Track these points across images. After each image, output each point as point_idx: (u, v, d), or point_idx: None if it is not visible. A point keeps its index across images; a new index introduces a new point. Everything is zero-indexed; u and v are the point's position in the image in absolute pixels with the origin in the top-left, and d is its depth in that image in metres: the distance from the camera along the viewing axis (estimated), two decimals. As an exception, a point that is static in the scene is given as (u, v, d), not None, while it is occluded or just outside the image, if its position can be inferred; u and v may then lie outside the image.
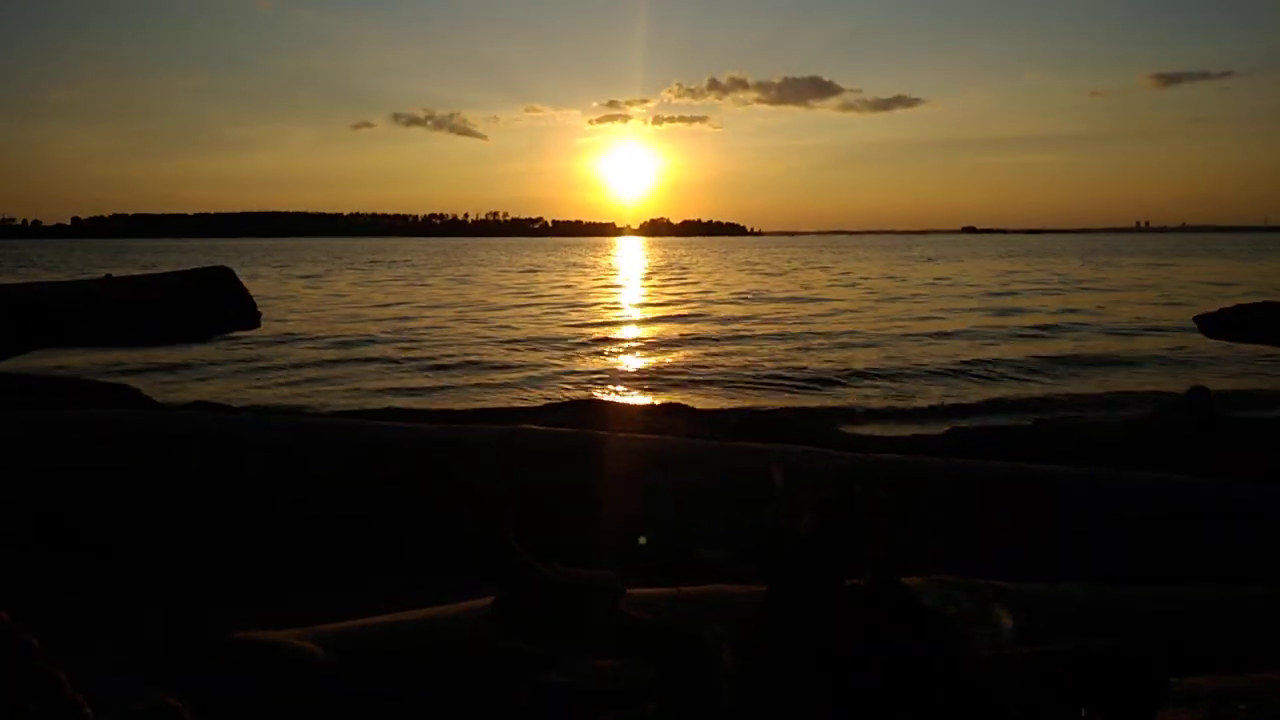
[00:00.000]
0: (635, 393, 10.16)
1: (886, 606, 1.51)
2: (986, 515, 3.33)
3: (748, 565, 1.98)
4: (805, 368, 11.44)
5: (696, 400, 8.56)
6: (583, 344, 14.56)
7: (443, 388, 10.38)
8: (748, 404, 8.66)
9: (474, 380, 10.94)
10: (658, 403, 7.61)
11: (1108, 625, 2.32)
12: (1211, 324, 5.36)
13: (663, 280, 35.17)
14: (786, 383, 10.44)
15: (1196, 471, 3.75)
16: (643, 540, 3.42)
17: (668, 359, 12.85)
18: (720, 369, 11.58)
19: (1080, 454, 4.30)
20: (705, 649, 1.51)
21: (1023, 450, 4.39)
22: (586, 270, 45.04)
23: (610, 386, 10.69)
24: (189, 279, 5.81)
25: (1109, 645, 1.50)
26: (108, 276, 6.03)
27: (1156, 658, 1.57)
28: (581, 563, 2.66)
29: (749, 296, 24.31)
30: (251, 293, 6.20)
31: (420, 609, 2.09)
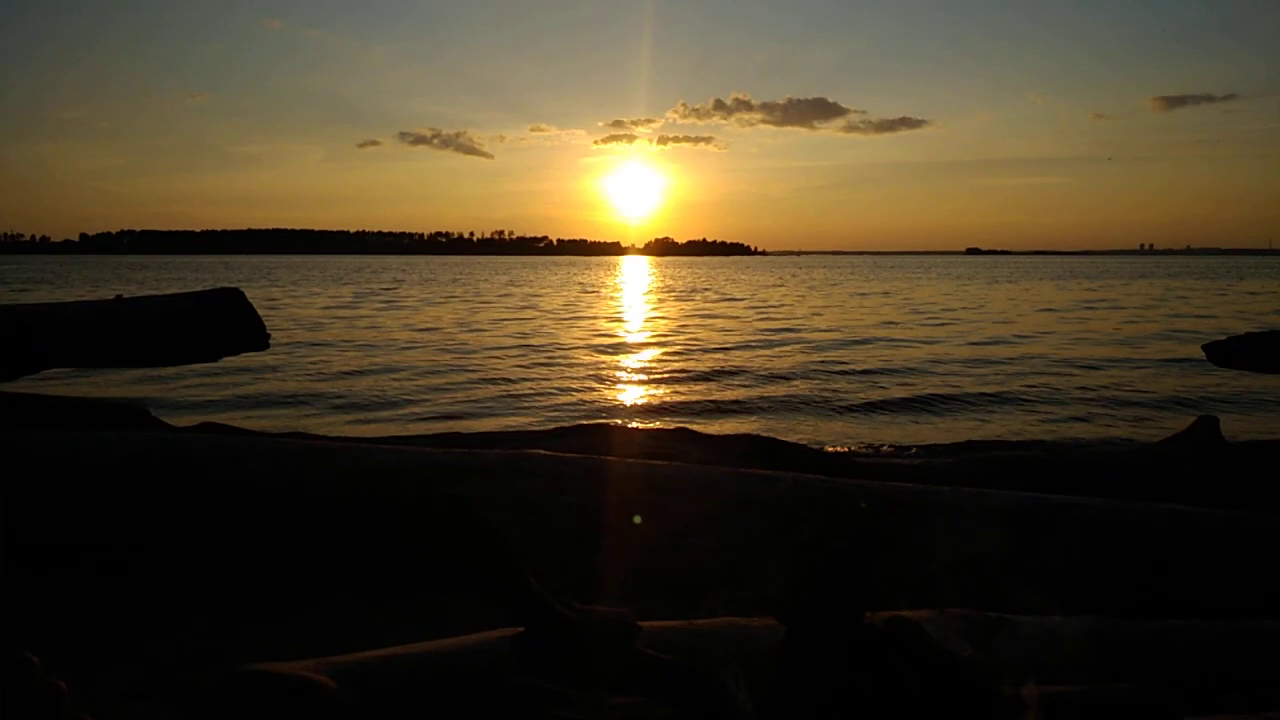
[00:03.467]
0: (645, 417, 10.16)
1: (902, 645, 1.51)
2: (996, 546, 3.32)
3: (762, 602, 1.98)
4: (819, 391, 11.44)
5: (706, 425, 8.57)
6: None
7: (453, 411, 10.38)
8: (758, 429, 8.65)
9: (484, 403, 10.94)
10: (667, 428, 7.61)
11: (1119, 661, 2.31)
12: (1220, 352, 5.35)
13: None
14: (800, 407, 10.44)
15: (1205, 502, 3.73)
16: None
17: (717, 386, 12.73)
18: (733, 393, 11.58)
19: (1088, 483, 4.29)
20: (721, 687, 1.52)
21: (1030, 479, 4.38)
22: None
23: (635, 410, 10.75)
24: (199, 300, 5.83)
25: (1124, 689, 1.50)
26: (119, 297, 6.06)
27: (1171, 701, 1.57)
28: (590, 589, 2.66)
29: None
30: (261, 313, 6.22)
31: (432, 640, 2.09)
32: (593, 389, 12.18)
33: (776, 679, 1.43)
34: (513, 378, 13.09)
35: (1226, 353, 5.36)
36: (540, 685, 1.42)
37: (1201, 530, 3.36)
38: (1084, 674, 2.00)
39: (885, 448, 7.63)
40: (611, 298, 38.62)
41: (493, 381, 12.76)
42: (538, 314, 27.23)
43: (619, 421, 9.52)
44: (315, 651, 2.13)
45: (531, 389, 12.05)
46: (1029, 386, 11.86)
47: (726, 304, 32.57)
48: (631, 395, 11.88)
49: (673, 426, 7.74)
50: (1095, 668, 2.11)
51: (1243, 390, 10.74)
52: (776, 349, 16.61)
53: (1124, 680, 1.99)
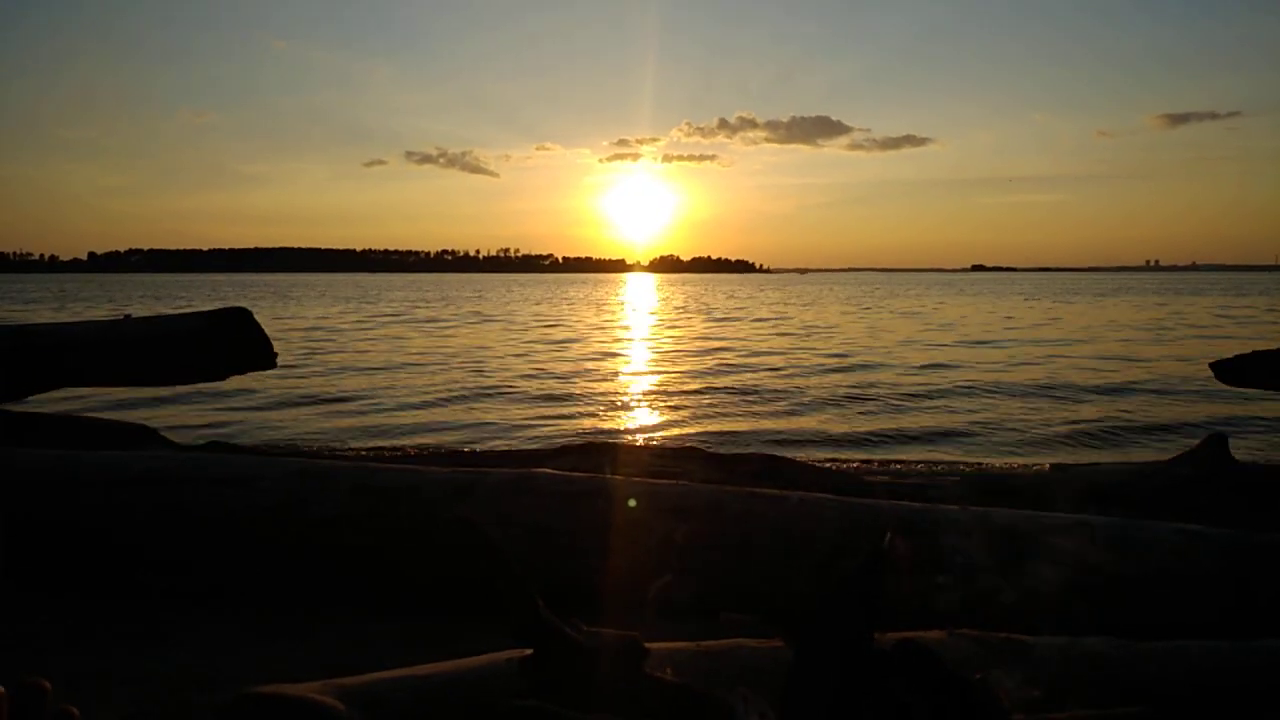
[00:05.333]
0: (652, 434, 10.13)
1: (913, 668, 1.51)
2: (1004, 565, 3.30)
3: (769, 624, 1.97)
4: (823, 412, 11.40)
5: (713, 442, 8.55)
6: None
7: (461, 428, 10.36)
8: (765, 447, 8.63)
9: (492, 421, 10.92)
10: (674, 445, 7.60)
11: (1128, 682, 2.30)
12: (1227, 370, 5.33)
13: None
14: (805, 426, 10.41)
15: (1214, 520, 3.72)
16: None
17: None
18: (739, 409, 11.55)
19: (1096, 501, 4.28)
20: (729, 710, 1.51)
21: (1038, 497, 4.36)
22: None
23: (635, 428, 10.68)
24: (206, 319, 5.86)
25: (1134, 711, 1.49)
26: (127, 317, 6.09)
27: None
28: (596, 610, 2.65)
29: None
30: (268, 330, 6.25)
31: (440, 662, 2.09)
32: (611, 409, 12.12)
33: (785, 702, 1.42)
34: (530, 395, 13.03)
35: (1235, 370, 5.34)
36: (548, 708, 1.41)
37: (1209, 549, 3.34)
38: (1093, 696, 1.99)
39: (894, 466, 7.60)
40: (642, 318, 37.18)
41: (505, 397, 12.75)
42: (562, 332, 26.75)
43: (625, 440, 9.50)
44: (322, 673, 2.12)
45: (547, 407, 12.02)
46: (1032, 407, 11.80)
47: (771, 326, 29.79)
48: (643, 414, 11.84)
49: (679, 444, 7.73)
50: (1104, 690, 2.10)
51: (1249, 406, 10.69)
52: (802, 373, 15.99)
53: (1133, 702, 1.98)
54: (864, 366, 16.52)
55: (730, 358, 18.70)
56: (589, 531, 3.53)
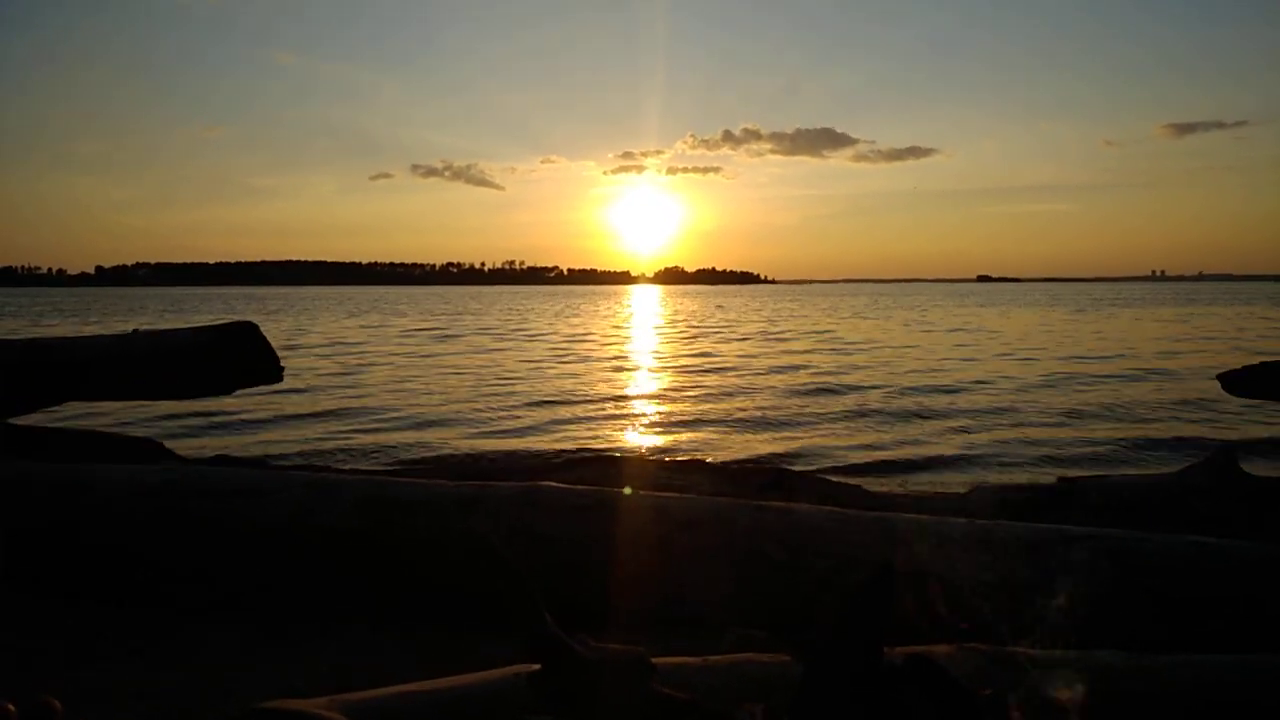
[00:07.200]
0: (658, 448, 10.08)
1: (922, 684, 1.50)
2: (1012, 578, 3.29)
3: (777, 638, 1.97)
4: (829, 421, 11.36)
5: (719, 454, 8.51)
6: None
7: (469, 442, 10.34)
8: (771, 454, 8.59)
9: (500, 433, 10.90)
10: (679, 458, 7.58)
11: (1141, 695, 2.28)
12: (1235, 382, 5.31)
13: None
14: (811, 437, 10.37)
15: (1223, 532, 3.70)
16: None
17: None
18: (744, 421, 11.51)
19: (1105, 514, 4.26)
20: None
21: (1046, 510, 4.35)
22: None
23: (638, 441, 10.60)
24: (214, 334, 5.87)
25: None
26: (135, 331, 6.11)
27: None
28: (602, 624, 2.64)
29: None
30: (275, 345, 6.26)
31: (445, 676, 2.08)
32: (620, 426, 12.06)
33: (793, 717, 1.41)
34: (555, 409, 12.94)
35: (1243, 382, 5.32)
36: (555, 724, 1.41)
37: (1223, 562, 3.32)
38: (1104, 711, 1.98)
39: (901, 478, 7.57)
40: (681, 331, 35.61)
41: (516, 410, 12.73)
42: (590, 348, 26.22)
43: (631, 452, 9.48)
44: (329, 686, 2.12)
45: (565, 418, 11.97)
46: (1043, 418, 11.74)
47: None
48: (653, 428, 11.79)
49: (685, 457, 7.71)
50: (1116, 704, 2.09)
51: (1257, 417, 10.64)
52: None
53: (1145, 717, 1.97)
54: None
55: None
56: (595, 544, 3.52)
